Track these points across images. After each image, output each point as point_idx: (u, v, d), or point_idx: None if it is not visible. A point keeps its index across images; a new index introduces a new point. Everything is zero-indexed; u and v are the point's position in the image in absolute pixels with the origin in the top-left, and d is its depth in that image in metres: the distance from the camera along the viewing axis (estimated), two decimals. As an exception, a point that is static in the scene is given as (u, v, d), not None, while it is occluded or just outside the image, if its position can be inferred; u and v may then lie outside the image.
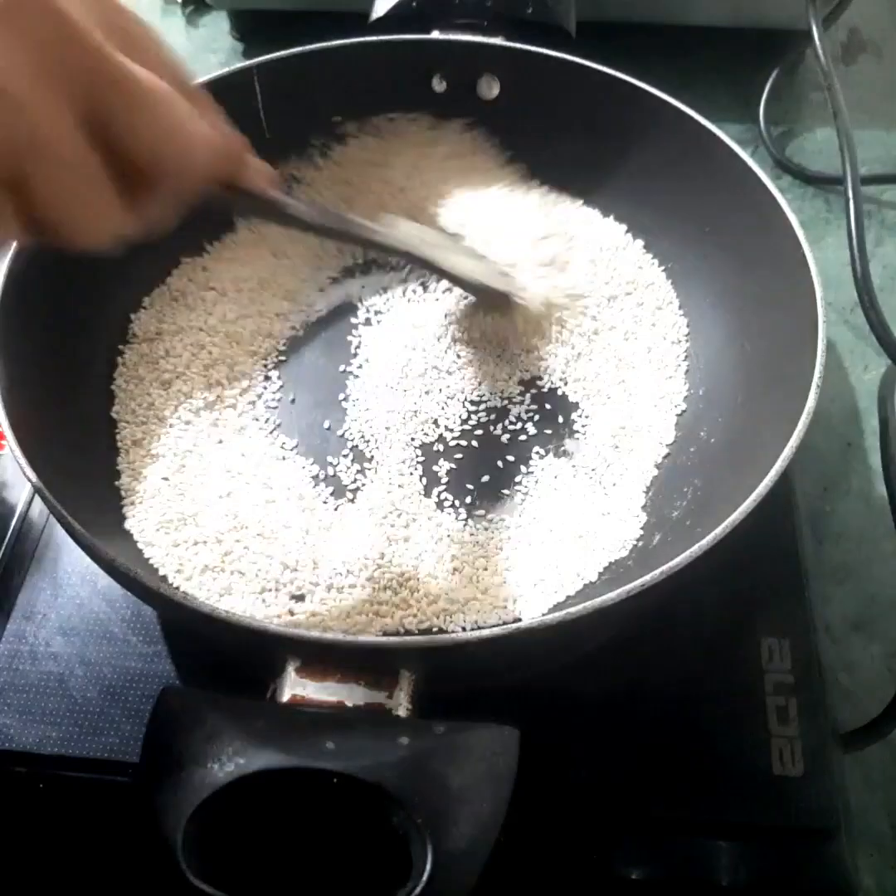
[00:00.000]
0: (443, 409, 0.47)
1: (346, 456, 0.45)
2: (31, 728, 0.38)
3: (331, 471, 0.44)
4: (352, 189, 0.54)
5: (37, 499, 0.35)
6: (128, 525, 0.41)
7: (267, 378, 0.48)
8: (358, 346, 0.49)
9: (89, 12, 0.25)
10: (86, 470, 0.41)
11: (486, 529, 0.42)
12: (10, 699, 0.39)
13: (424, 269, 0.48)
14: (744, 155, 0.45)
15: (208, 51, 0.73)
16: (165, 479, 0.43)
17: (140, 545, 0.40)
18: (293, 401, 0.47)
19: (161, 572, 0.39)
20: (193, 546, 0.40)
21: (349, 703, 0.30)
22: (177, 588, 0.39)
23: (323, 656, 0.31)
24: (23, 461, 0.35)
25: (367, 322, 0.50)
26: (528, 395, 0.48)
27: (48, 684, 0.39)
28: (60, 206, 0.26)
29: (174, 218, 0.30)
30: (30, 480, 0.34)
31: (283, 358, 0.49)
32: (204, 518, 0.41)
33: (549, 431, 0.46)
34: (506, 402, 0.47)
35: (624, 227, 0.52)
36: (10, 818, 0.38)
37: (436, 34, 0.52)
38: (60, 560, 0.43)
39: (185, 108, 0.28)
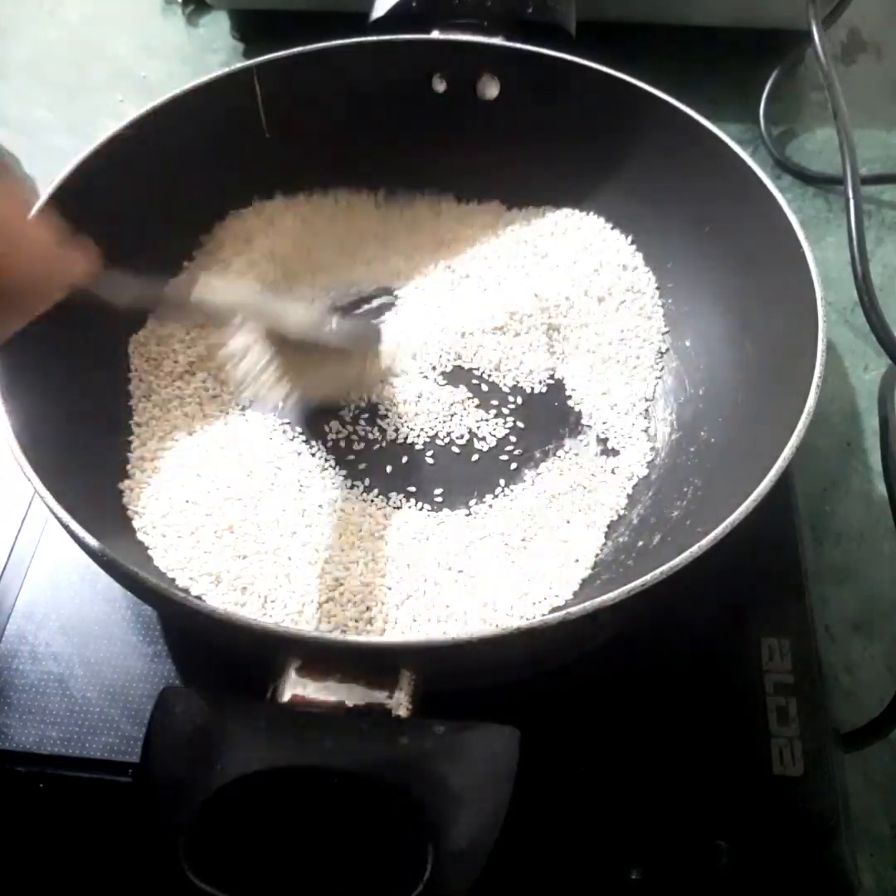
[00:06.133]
0: (435, 413, 0.47)
1: (346, 451, 0.45)
2: (31, 728, 0.38)
3: (335, 467, 0.45)
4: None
5: (37, 498, 0.35)
6: (131, 523, 0.41)
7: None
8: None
9: None
10: (86, 469, 0.41)
11: (483, 527, 0.43)
12: (10, 699, 0.39)
13: (257, 322, 0.42)
14: (744, 155, 0.45)
15: (208, 51, 0.73)
16: (171, 477, 0.43)
17: (142, 543, 0.40)
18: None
19: (163, 571, 0.40)
20: (198, 544, 0.40)
21: (349, 703, 0.30)
22: (178, 587, 0.39)
23: (323, 656, 0.31)
24: (23, 461, 0.35)
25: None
26: (522, 395, 0.48)
27: (48, 684, 0.39)
28: None
29: (10, 333, 0.28)
30: (29, 480, 0.34)
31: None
32: (210, 515, 0.41)
33: (545, 431, 0.46)
34: (502, 401, 0.47)
35: (615, 226, 0.53)
36: (10, 818, 0.38)
37: (436, 34, 0.52)
38: (60, 560, 0.43)
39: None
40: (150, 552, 0.40)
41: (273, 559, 0.40)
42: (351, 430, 0.46)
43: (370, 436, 0.46)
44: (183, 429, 0.45)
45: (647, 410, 0.47)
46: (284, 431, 0.46)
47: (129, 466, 0.43)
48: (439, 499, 0.44)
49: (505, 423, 0.47)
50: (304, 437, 0.46)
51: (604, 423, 0.47)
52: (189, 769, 0.28)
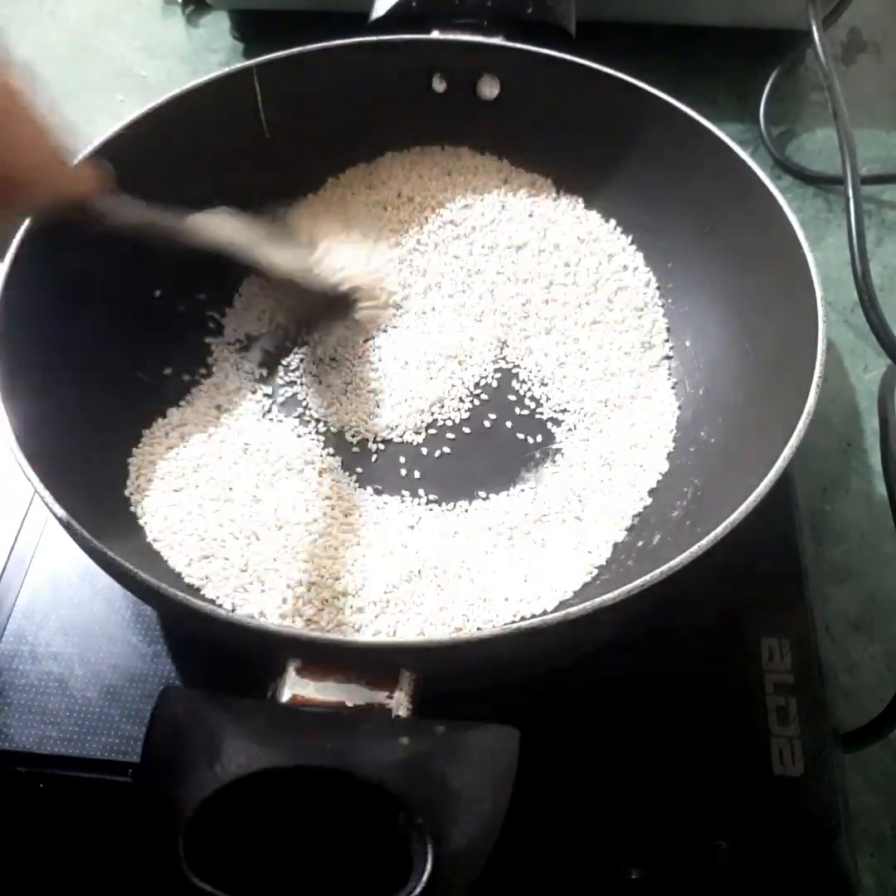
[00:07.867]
0: (441, 408, 0.47)
1: (347, 450, 0.45)
2: (31, 728, 0.38)
3: (337, 465, 0.45)
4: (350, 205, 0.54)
5: (37, 498, 0.35)
6: (130, 523, 0.41)
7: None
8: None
9: None
10: (86, 468, 0.41)
11: (482, 528, 0.43)
12: (10, 699, 0.39)
13: (244, 264, 0.45)
14: (744, 155, 0.45)
15: (208, 51, 0.73)
16: (171, 475, 0.43)
17: (141, 543, 0.40)
18: (296, 395, 0.48)
19: (163, 570, 0.40)
20: (199, 543, 0.40)
21: (349, 703, 0.30)
22: (178, 586, 0.39)
23: (323, 656, 0.31)
24: (23, 461, 0.35)
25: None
26: (522, 395, 0.48)
27: (48, 684, 0.39)
28: None
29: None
30: (29, 480, 0.34)
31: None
32: (211, 514, 0.41)
33: (548, 432, 0.46)
34: (502, 401, 0.48)
35: (616, 226, 0.53)
36: (10, 818, 0.38)
37: (436, 34, 0.52)
38: (60, 560, 0.43)
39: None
40: (149, 551, 0.40)
41: (273, 559, 0.40)
42: (352, 429, 0.46)
43: (373, 435, 0.46)
44: (185, 426, 0.45)
45: (646, 411, 0.47)
46: (284, 431, 0.46)
47: (129, 466, 0.43)
48: (439, 499, 0.44)
49: (504, 423, 0.47)
50: (304, 435, 0.46)
51: (602, 422, 0.47)
52: (189, 769, 0.28)
